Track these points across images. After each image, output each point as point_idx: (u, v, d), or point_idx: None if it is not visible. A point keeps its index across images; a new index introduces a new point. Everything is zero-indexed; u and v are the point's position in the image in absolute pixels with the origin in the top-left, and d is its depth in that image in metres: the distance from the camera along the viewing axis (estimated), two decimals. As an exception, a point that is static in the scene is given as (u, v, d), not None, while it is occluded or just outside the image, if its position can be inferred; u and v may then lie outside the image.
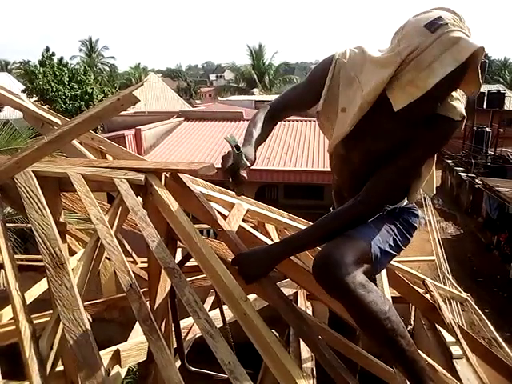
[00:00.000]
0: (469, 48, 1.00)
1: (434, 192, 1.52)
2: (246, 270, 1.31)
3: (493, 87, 22.28)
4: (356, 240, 1.19)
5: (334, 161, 1.47)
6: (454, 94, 1.19)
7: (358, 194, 1.29)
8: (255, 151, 1.27)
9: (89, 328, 1.15)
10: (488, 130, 17.97)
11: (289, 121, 11.73)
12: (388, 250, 1.28)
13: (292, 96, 1.45)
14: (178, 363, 1.78)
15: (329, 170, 1.58)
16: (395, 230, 1.34)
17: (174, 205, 1.48)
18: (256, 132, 1.31)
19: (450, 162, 17.57)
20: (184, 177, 1.63)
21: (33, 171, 1.51)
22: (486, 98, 18.41)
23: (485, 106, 18.45)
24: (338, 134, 1.28)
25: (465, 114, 1.20)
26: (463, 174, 15.59)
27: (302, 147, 10.37)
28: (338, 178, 1.51)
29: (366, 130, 1.24)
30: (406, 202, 1.45)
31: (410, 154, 1.23)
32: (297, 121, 11.91)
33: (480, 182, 13.26)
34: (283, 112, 1.46)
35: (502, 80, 34.22)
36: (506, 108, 19.08)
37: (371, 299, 1.08)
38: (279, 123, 1.52)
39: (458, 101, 1.21)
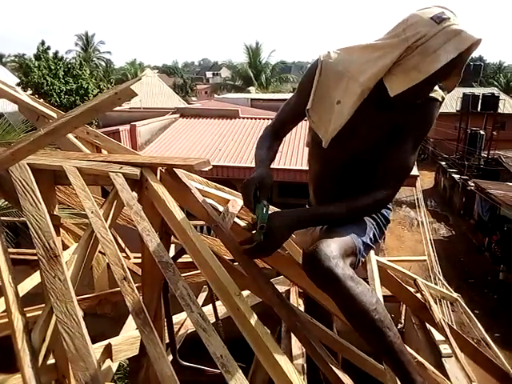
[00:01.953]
0: (469, 39, 1.11)
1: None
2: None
3: (487, 90, 22.45)
4: (343, 234, 1.24)
5: (323, 151, 1.46)
6: None
7: (341, 183, 1.42)
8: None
9: (82, 320, 1.14)
10: (482, 132, 18.11)
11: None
12: (368, 243, 1.35)
13: (287, 110, 1.52)
14: (170, 358, 1.78)
15: None
16: (374, 224, 1.42)
17: (169, 200, 1.48)
18: (265, 154, 1.43)
19: (443, 163, 17.67)
20: (179, 172, 1.64)
21: (28, 163, 1.50)
22: (480, 100, 18.56)
23: (479, 109, 18.61)
24: (336, 126, 1.33)
25: (444, 96, 1.30)
26: (456, 176, 15.69)
27: (296, 146, 10.37)
28: (324, 168, 1.51)
29: (357, 122, 1.31)
30: None
31: (410, 136, 1.31)
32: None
33: (472, 184, 13.36)
34: (283, 129, 1.55)
35: (496, 83, 34.47)
36: (499, 111, 19.24)
37: (360, 290, 1.11)
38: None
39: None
